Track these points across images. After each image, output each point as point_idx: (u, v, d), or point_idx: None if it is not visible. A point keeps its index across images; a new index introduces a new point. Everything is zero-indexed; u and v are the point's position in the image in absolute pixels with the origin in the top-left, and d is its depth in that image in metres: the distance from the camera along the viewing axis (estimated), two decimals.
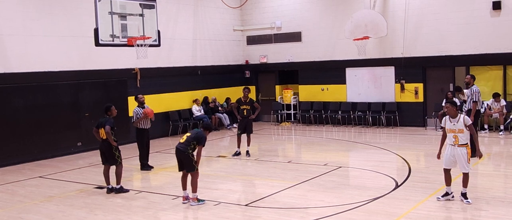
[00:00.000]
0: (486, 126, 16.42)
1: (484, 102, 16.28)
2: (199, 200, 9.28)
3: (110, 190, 10.42)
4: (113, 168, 10.47)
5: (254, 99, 16.43)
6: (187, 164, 9.22)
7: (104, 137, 10.27)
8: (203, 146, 9.27)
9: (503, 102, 16.25)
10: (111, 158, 10.33)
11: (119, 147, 10.51)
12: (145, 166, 12.70)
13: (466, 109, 12.94)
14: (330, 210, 8.75)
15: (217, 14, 20.88)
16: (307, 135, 18.36)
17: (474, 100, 12.33)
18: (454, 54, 17.37)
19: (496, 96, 16.27)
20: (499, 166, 12.22)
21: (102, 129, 10.23)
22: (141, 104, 12.57)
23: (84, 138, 15.63)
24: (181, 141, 9.28)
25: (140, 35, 13.49)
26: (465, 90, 12.82)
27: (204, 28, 20.38)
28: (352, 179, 11.34)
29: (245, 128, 13.91)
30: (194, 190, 9.27)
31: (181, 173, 9.46)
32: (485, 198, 9.08)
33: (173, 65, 18.86)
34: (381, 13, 18.10)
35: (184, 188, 9.44)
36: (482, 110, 15.85)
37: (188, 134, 9.35)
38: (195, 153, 9.24)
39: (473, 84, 12.55)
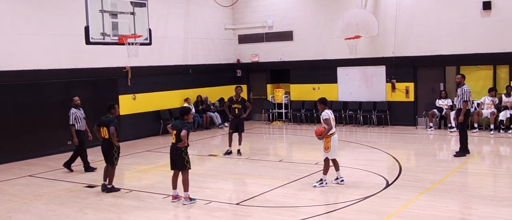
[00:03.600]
0: (476, 125, 16.50)
1: (474, 101, 16.36)
2: (191, 199, 9.26)
3: (105, 186, 10.35)
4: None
5: (246, 98, 16.42)
6: (179, 163, 9.21)
7: (106, 137, 10.19)
8: (188, 130, 9.15)
9: (495, 100, 16.33)
10: (109, 157, 10.27)
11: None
12: (88, 167, 12.55)
13: (456, 108, 13.01)
14: (321, 209, 8.76)
15: (209, 12, 20.84)
16: (298, 134, 18.37)
17: (465, 99, 12.40)
18: (445, 54, 17.45)
19: (491, 90, 16.33)
20: (489, 165, 12.29)
21: (105, 128, 10.14)
22: (76, 107, 12.35)
23: None
24: (173, 141, 9.24)
25: (131, 33, 13.42)
26: (458, 90, 12.88)
27: (195, 27, 20.33)
28: (343, 178, 11.33)
29: (237, 127, 13.90)
30: (186, 189, 9.24)
31: (172, 172, 9.43)
32: (475, 197, 9.14)
33: (164, 63, 18.80)
34: (372, 13, 18.14)
35: (174, 187, 9.42)
36: (472, 109, 15.92)
37: (174, 132, 9.21)
38: (188, 150, 9.25)
39: (464, 84, 12.62)
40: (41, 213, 9.18)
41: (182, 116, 9.39)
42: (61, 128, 15.32)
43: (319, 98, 10.38)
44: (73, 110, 12.30)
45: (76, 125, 12.25)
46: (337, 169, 10.25)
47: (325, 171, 10.15)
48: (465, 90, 12.45)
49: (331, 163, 10.19)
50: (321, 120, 10.09)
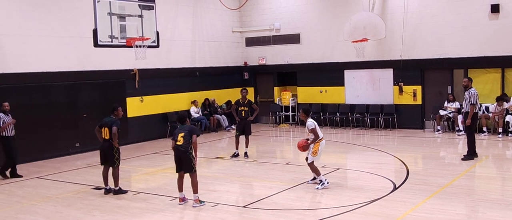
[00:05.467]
0: (485, 129, 16.41)
1: (482, 104, 16.29)
2: (200, 201, 9.29)
3: (108, 191, 10.40)
4: (111, 170, 10.43)
5: (253, 101, 16.41)
6: (187, 165, 9.20)
7: (107, 137, 10.22)
8: (198, 135, 9.38)
9: (505, 105, 16.23)
10: (110, 159, 10.30)
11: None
12: (14, 174, 12.51)
13: (463, 111, 12.95)
14: (328, 212, 8.74)
15: (216, 15, 20.89)
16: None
17: (472, 102, 12.35)
18: (453, 57, 17.38)
19: (499, 99, 16.22)
20: (497, 169, 12.23)
21: (106, 129, 10.17)
22: (4, 113, 12.27)
23: (82, 138, 15.62)
24: (179, 143, 9.19)
25: (139, 36, 13.48)
26: (465, 93, 12.84)
27: (203, 30, 20.38)
28: (350, 181, 11.35)
29: (244, 130, 13.92)
30: (196, 191, 9.25)
31: (177, 175, 9.45)
32: (483, 201, 9.09)
33: (171, 66, 18.85)
34: (379, 16, 18.11)
35: (181, 189, 9.44)
36: (480, 112, 15.84)
37: (181, 134, 9.19)
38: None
39: (471, 87, 12.57)
40: (49, 214, 9.22)
41: (184, 121, 9.45)
42: (69, 130, 15.47)
43: (302, 108, 10.63)
44: (1, 115, 12.23)
45: (5, 131, 12.17)
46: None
47: (317, 172, 10.34)
48: (472, 93, 12.40)
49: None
50: (307, 130, 10.27)
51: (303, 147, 10.37)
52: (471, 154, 12.63)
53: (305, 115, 10.41)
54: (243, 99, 14.04)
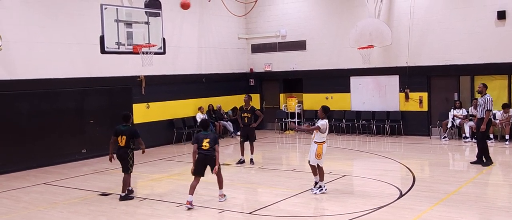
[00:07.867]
0: (491, 136, 16.34)
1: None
2: (224, 195, 9.98)
3: (123, 198, 10.42)
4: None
5: (257, 107, 16.42)
6: (213, 166, 9.64)
7: (122, 145, 10.29)
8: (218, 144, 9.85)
9: (511, 112, 16.17)
10: (124, 165, 10.36)
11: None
12: None
13: (478, 117, 12.86)
14: (334, 219, 8.73)
15: (222, 22, 20.96)
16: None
17: (488, 108, 12.32)
18: (459, 63, 17.34)
19: (505, 107, 16.19)
20: (504, 176, 12.17)
21: (124, 137, 10.24)
22: None
23: (89, 145, 15.67)
24: (205, 148, 9.59)
25: (146, 42, 13.53)
26: (479, 99, 12.82)
27: (209, 36, 20.45)
28: (356, 188, 11.32)
29: (248, 136, 13.93)
30: (221, 186, 9.95)
31: (192, 178, 9.67)
32: (490, 208, 9.05)
33: (178, 72, 18.91)
34: (385, 22, 18.11)
35: (191, 192, 9.55)
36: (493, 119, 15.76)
37: (207, 140, 9.63)
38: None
39: (486, 93, 12.54)
40: None
41: (207, 127, 9.92)
42: (76, 136, 15.52)
43: (323, 106, 10.62)
44: None
45: None
46: (316, 174, 10.51)
47: (322, 176, 10.39)
48: (488, 99, 12.38)
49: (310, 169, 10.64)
50: (316, 124, 10.36)
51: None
52: (483, 159, 12.60)
53: (324, 114, 10.43)
54: (246, 105, 14.06)
